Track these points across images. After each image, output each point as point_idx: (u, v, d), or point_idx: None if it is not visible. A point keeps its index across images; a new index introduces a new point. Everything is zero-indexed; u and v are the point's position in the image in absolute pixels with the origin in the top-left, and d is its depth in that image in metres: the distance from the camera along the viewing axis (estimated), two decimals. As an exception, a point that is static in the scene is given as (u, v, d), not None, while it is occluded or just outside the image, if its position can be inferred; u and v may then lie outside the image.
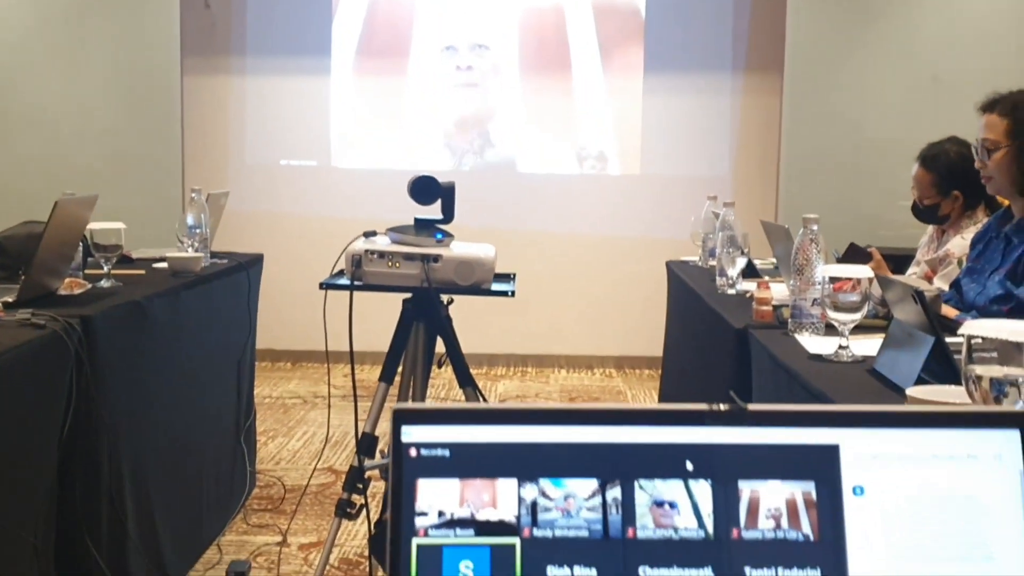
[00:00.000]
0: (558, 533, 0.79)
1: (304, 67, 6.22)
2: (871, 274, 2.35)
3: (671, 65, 6.18)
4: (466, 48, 6.26)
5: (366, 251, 2.68)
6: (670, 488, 0.80)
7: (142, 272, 3.31)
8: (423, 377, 2.83)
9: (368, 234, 2.76)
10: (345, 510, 2.76)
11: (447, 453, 0.80)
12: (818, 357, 2.33)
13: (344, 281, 2.71)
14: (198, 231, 3.49)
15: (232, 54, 6.27)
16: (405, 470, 0.79)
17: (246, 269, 3.67)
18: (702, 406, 0.80)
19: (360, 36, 6.27)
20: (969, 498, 0.79)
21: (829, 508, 0.79)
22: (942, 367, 1.94)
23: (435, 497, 0.79)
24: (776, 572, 0.78)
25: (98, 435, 2.52)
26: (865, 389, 2.02)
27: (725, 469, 0.80)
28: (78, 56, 6.04)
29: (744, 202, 5.38)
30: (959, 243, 3.50)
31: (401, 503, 0.79)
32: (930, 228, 3.89)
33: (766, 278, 3.31)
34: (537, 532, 0.79)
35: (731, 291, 3.31)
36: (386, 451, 2.66)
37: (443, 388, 5.26)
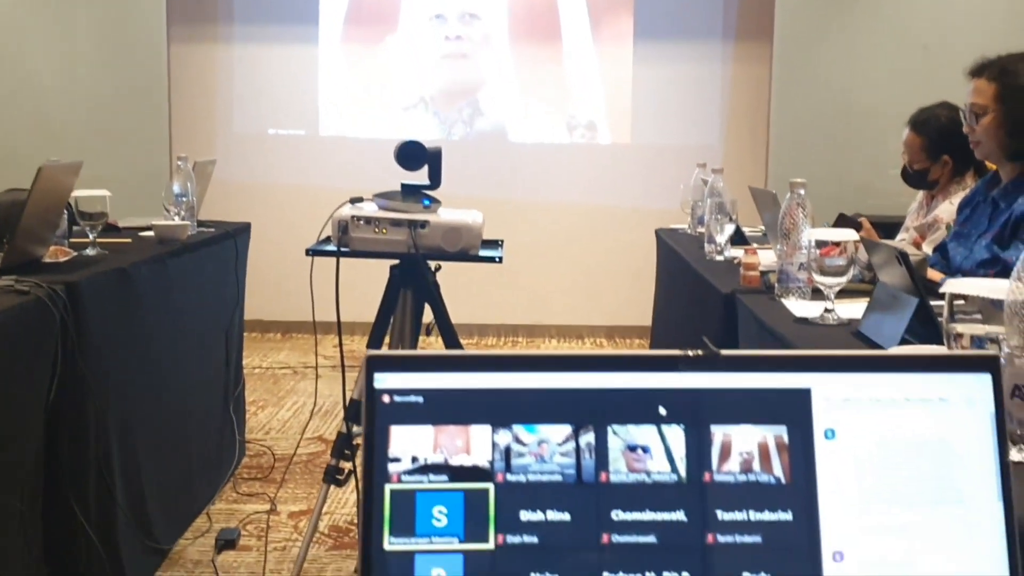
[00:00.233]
0: (531, 478, 0.79)
1: (292, 35, 6.18)
2: (856, 237, 2.35)
3: (661, 33, 6.15)
4: (455, 18, 6.22)
5: (352, 217, 2.67)
6: (643, 433, 0.80)
7: (128, 240, 3.29)
8: (411, 344, 2.83)
9: (355, 200, 2.74)
10: (334, 476, 2.76)
11: (421, 400, 0.80)
12: (804, 320, 2.33)
13: (331, 248, 2.70)
14: (184, 199, 3.47)
15: (219, 22, 6.22)
16: (378, 417, 0.79)
17: (233, 237, 3.66)
18: (675, 352, 0.80)
19: (348, 4, 6.22)
20: (940, 441, 0.79)
21: (801, 451, 0.79)
22: (926, 328, 1.94)
23: (408, 443, 0.79)
24: (748, 515, 0.79)
25: (85, 402, 2.51)
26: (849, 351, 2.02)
27: (698, 414, 0.80)
28: (64, 24, 5.99)
29: (734, 170, 5.38)
30: (948, 208, 3.50)
31: (374, 449, 0.79)
32: (919, 194, 3.89)
33: (754, 245, 3.32)
34: (511, 477, 0.79)
35: (719, 258, 3.31)
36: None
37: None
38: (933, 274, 2.72)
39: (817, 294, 2.38)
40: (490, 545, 0.78)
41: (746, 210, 3.79)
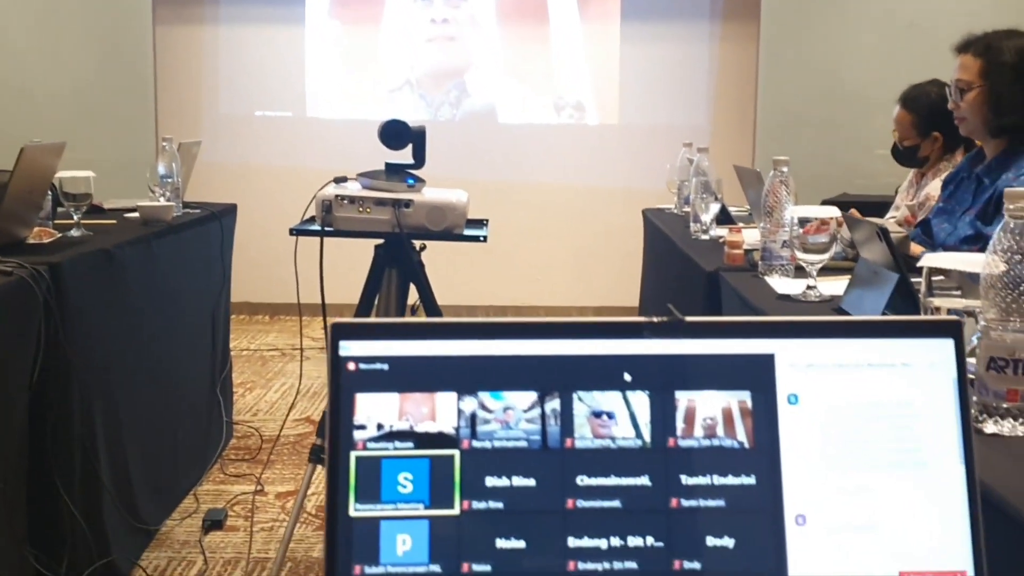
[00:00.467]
0: (497, 444, 0.79)
1: (278, 16, 6.15)
2: (838, 214, 2.36)
3: (648, 14, 6.14)
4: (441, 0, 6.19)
5: (336, 196, 2.66)
6: (608, 399, 0.80)
7: (113, 222, 3.29)
8: (396, 323, 2.83)
9: (339, 180, 2.74)
10: (319, 456, 2.77)
11: (386, 367, 0.80)
12: (786, 297, 2.34)
13: (315, 227, 2.69)
14: (170, 180, 3.47)
15: (205, 3, 6.20)
16: (343, 384, 0.80)
17: (219, 219, 3.66)
18: (640, 319, 0.81)
19: (335, -15, 6.20)
20: (903, 405, 0.80)
21: (764, 416, 0.80)
22: (906, 304, 1.95)
23: (374, 411, 0.79)
24: (711, 479, 0.79)
25: (69, 383, 2.51)
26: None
27: (662, 380, 0.80)
28: (48, 4, 5.95)
29: (722, 151, 5.38)
30: (938, 186, 3.50)
31: (339, 417, 0.79)
32: (910, 173, 3.90)
33: (740, 224, 3.32)
34: (476, 444, 0.79)
35: (705, 236, 3.32)
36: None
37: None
38: (916, 249, 2.73)
39: (800, 272, 2.39)
40: (455, 511, 0.78)
41: (733, 190, 3.79)
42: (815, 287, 2.30)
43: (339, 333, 0.80)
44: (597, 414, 0.80)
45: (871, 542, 0.78)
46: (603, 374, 0.80)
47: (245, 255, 4.77)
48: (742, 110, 6.16)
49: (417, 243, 2.81)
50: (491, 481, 0.79)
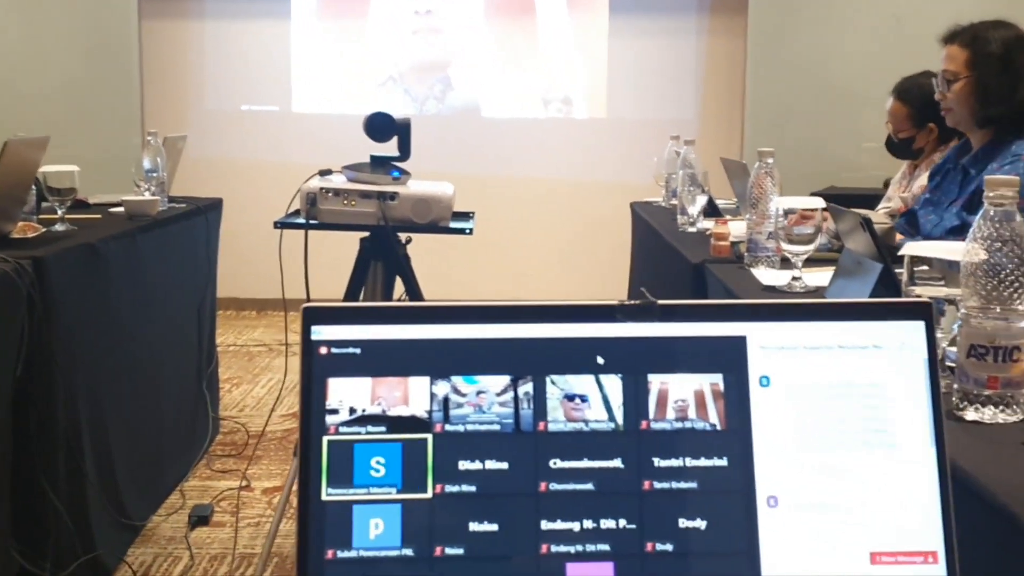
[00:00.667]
0: (470, 428, 0.79)
1: (264, 11, 6.13)
2: (823, 204, 2.36)
3: (636, 7, 6.14)
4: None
5: (321, 189, 2.66)
6: (581, 382, 0.80)
7: (98, 216, 3.28)
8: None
9: (324, 172, 2.74)
10: (305, 449, 2.76)
11: (358, 351, 0.80)
12: (771, 288, 2.35)
13: (300, 220, 2.69)
14: (155, 175, 3.45)
15: (191, -2, 6.18)
16: (315, 369, 0.79)
17: (204, 213, 3.65)
18: (613, 302, 0.81)
19: (321, -21, 6.18)
20: (874, 387, 0.80)
21: (736, 399, 0.80)
22: (889, 293, 1.95)
23: (346, 395, 0.79)
24: (684, 462, 0.79)
25: (53, 377, 2.50)
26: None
27: (635, 363, 0.80)
28: None
29: (710, 144, 5.39)
30: (931, 178, 3.51)
31: (311, 402, 0.79)
32: (903, 165, 3.90)
33: (727, 216, 3.32)
34: (449, 427, 0.79)
35: (692, 229, 3.32)
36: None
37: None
38: (901, 238, 2.74)
39: (786, 263, 2.39)
40: (428, 495, 0.78)
41: (720, 183, 3.80)
42: (800, 278, 2.31)
43: (311, 317, 0.80)
44: (570, 397, 0.80)
45: (842, 523, 0.78)
46: (576, 357, 0.80)
47: (232, 250, 4.76)
48: (730, 104, 6.16)
49: (403, 236, 2.80)
50: (464, 465, 0.79)
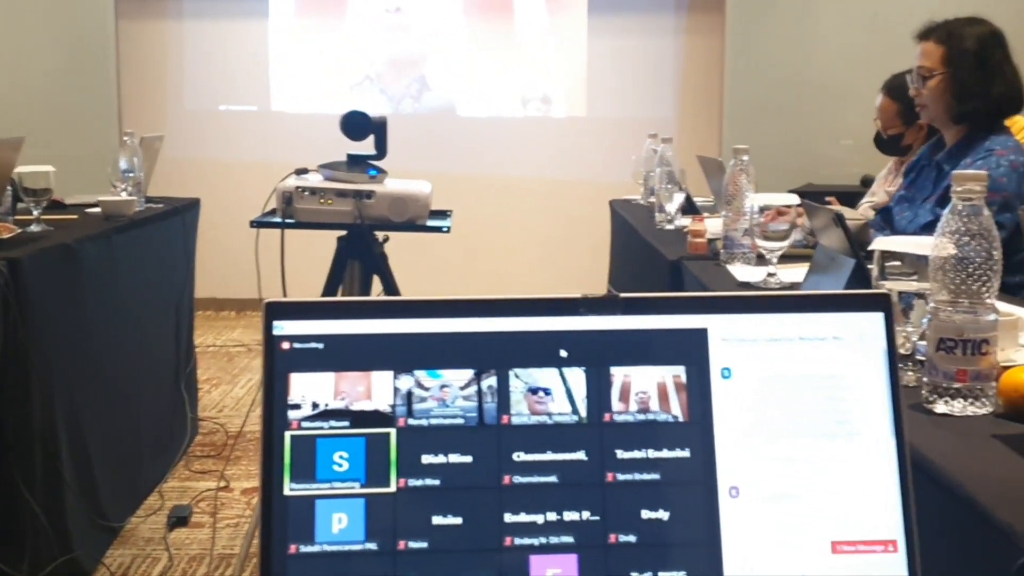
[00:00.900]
0: (433, 422, 0.79)
1: (242, 10, 6.11)
2: (797, 200, 2.37)
3: (615, 6, 6.15)
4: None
5: (297, 188, 2.65)
6: (545, 375, 0.80)
7: (74, 217, 3.26)
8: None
9: (300, 171, 2.73)
10: (283, 449, 2.75)
11: (321, 346, 0.80)
12: (747, 285, 2.36)
13: (276, 219, 2.68)
14: (132, 175, 3.44)
15: (168, -3, 6.16)
16: (277, 364, 0.79)
17: (181, 214, 3.63)
18: (575, 295, 0.81)
19: (299, -22, 6.16)
20: (834, 378, 0.80)
21: (698, 390, 0.80)
22: (862, 288, 1.96)
23: (308, 390, 0.79)
24: (647, 453, 0.80)
25: (28, 379, 2.49)
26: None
27: (598, 356, 0.80)
28: (9, -1, 5.90)
29: (689, 142, 5.40)
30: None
31: (273, 397, 0.79)
32: (890, 161, 3.92)
33: (705, 214, 3.34)
34: (412, 421, 0.80)
35: (670, 226, 3.33)
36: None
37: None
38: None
39: (762, 260, 2.41)
40: (392, 488, 0.78)
41: (699, 180, 3.81)
42: (775, 274, 2.32)
43: (273, 312, 0.80)
44: (534, 390, 0.80)
45: (803, 512, 0.78)
46: (539, 351, 0.80)
47: (211, 250, 4.75)
48: (708, 102, 6.18)
49: (380, 235, 2.80)
50: (427, 458, 0.79)
